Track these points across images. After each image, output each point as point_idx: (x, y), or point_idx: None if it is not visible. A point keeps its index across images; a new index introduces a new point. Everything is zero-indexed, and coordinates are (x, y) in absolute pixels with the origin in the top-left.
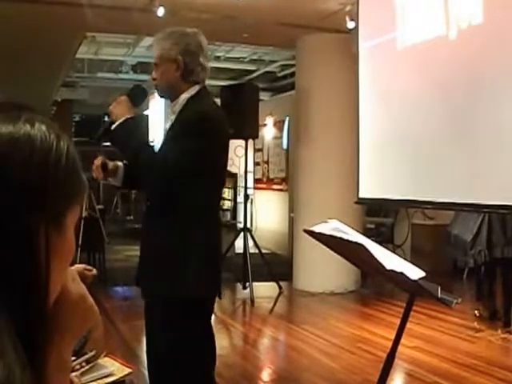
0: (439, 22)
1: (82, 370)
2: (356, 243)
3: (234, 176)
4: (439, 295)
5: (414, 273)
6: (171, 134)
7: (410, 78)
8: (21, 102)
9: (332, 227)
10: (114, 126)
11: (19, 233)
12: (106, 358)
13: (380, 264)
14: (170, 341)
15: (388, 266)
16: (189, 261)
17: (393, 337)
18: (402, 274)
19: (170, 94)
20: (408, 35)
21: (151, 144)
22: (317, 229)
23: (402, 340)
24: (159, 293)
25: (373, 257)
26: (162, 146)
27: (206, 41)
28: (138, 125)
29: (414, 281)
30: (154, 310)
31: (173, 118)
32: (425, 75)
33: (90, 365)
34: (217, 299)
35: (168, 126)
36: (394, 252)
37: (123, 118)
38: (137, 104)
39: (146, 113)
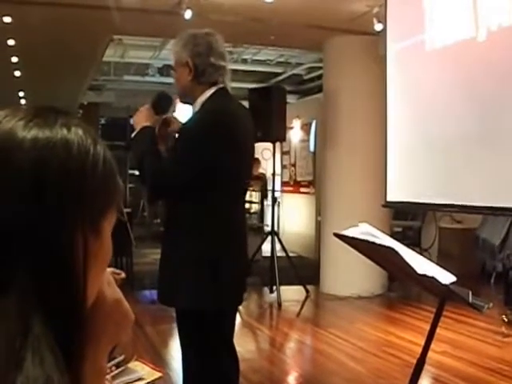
0: (468, 24)
1: (112, 374)
2: (387, 247)
3: (261, 179)
4: (470, 300)
5: (445, 277)
6: (178, 142)
7: (438, 80)
8: (56, 106)
9: (362, 231)
10: (132, 135)
11: (57, 238)
12: (136, 362)
13: (411, 268)
14: (189, 356)
15: (419, 271)
16: (187, 272)
17: (420, 341)
18: (433, 278)
19: (187, 99)
20: (437, 37)
21: (161, 153)
22: (347, 232)
23: (432, 345)
24: (165, 302)
25: (404, 261)
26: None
27: (220, 40)
28: (153, 134)
29: (445, 285)
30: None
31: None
32: (454, 77)
33: (120, 369)
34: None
35: None
36: (421, 255)
37: (140, 127)
38: (161, 111)
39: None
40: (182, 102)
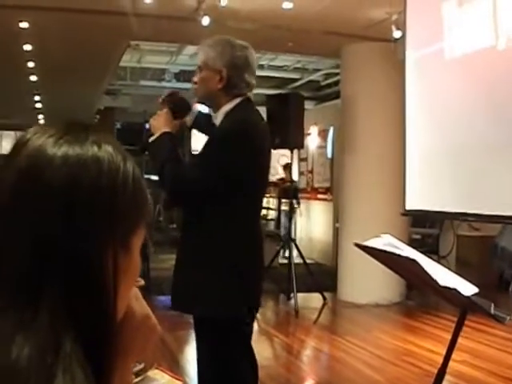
0: (488, 32)
1: (132, 382)
2: (409, 259)
3: (278, 185)
4: (492, 311)
5: (467, 289)
6: (202, 150)
7: (458, 88)
8: (86, 122)
9: (385, 242)
10: (150, 139)
11: (88, 255)
12: (156, 371)
13: (433, 280)
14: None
15: (441, 282)
16: (208, 278)
17: (438, 350)
18: (455, 290)
19: (207, 102)
20: (456, 45)
21: (182, 159)
22: (369, 243)
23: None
24: (182, 309)
25: (426, 273)
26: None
27: (255, 56)
28: (173, 140)
29: (467, 297)
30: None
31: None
32: (474, 86)
33: (140, 378)
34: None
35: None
36: (438, 263)
37: (160, 132)
38: (180, 116)
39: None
40: (198, 101)
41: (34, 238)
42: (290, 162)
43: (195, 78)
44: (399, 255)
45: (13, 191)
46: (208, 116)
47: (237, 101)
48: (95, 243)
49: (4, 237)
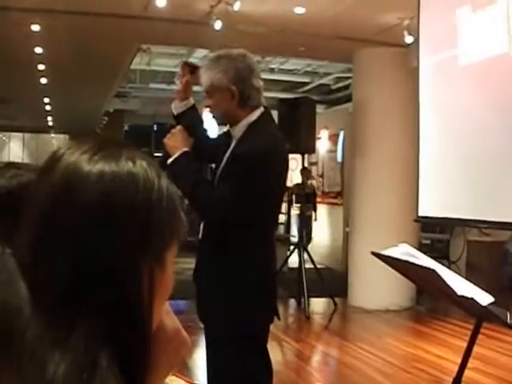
0: (501, 39)
1: None
2: (428, 269)
3: (288, 190)
4: (509, 321)
5: (484, 298)
6: (226, 170)
7: (472, 95)
8: (119, 138)
9: (402, 251)
10: (169, 161)
11: (124, 271)
12: (173, 377)
13: (451, 289)
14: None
15: (459, 292)
16: (244, 296)
17: (449, 356)
18: (472, 299)
19: (228, 121)
20: (470, 52)
21: (206, 179)
22: (387, 252)
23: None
24: (213, 324)
25: (444, 282)
26: (219, 178)
27: (254, 58)
28: (194, 159)
29: (484, 307)
30: (211, 340)
31: (233, 143)
32: (487, 92)
33: None
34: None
35: (229, 151)
36: (449, 268)
37: (179, 153)
38: (194, 133)
39: None
40: (219, 124)
41: (69, 256)
42: (307, 166)
43: (207, 103)
44: (418, 265)
45: (48, 208)
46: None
47: (256, 114)
48: (131, 259)
49: (39, 254)
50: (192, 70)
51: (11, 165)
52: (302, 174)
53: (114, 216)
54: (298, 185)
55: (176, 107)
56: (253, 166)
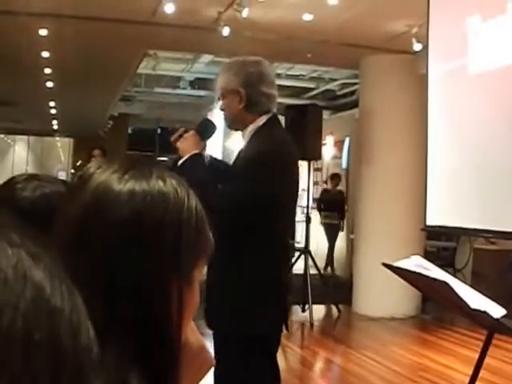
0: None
1: None
2: (441, 281)
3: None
4: None
5: (496, 310)
6: (235, 170)
7: (482, 105)
8: (146, 157)
9: (414, 263)
10: (180, 162)
11: (152, 290)
12: None
13: (464, 302)
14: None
15: (472, 305)
16: (253, 298)
17: (454, 365)
18: (485, 312)
19: (237, 125)
20: (480, 61)
21: (215, 181)
22: (399, 264)
23: (467, 370)
24: (223, 327)
25: (457, 295)
26: (229, 178)
27: (270, 68)
28: (204, 160)
29: (497, 319)
30: (220, 343)
31: (242, 147)
32: (499, 103)
33: None
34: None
35: (235, 156)
36: (454, 276)
37: (189, 154)
38: (207, 137)
39: None
40: (230, 128)
41: (101, 273)
42: (338, 172)
43: (221, 106)
44: (430, 277)
45: (79, 227)
46: None
47: (263, 119)
48: (159, 278)
49: (71, 271)
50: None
51: (33, 177)
52: (332, 180)
53: (144, 235)
54: (325, 190)
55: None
56: (255, 166)
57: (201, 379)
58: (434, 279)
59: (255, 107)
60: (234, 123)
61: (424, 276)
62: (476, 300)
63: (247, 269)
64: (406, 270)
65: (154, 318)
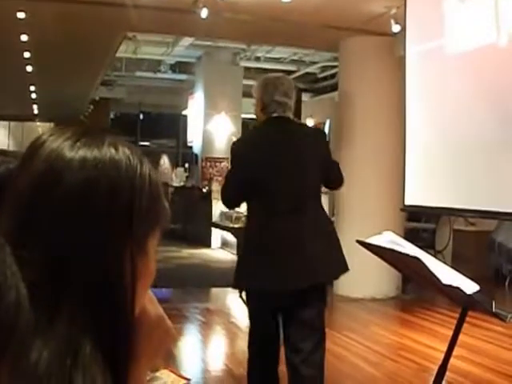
0: (489, 29)
1: None
2: (412, 257)
3: None
4: (494, 310)
5: (469, 286)
6: None
7: (459, 85)
8: (101, 126)
9: (387, 239)
10: None
11: (106, 257)
12: (164, 371)
13: (436, 278)
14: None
15: (444, 281)
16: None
17: (435, 344)
18: (458, 288)
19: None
20: (457, 42)
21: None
22: (371, 241)
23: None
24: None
25: (429, 271)
26: None
27: (289, 80)
28: None
29: (469, 295)
30: None
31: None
32: (474, 82)
33: (148, 377)
34: None
35: None
36: (435, 258)
37: None
38: None
39: (184, 112)
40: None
41: (52, 241)
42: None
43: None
44: (402, 253)
45: (30, 195)
46: None
47: (264, 118)
48: (113, 246)
49: (22, 240)
50: None
51: None
52: None
53: (95, 202)
54: None
55: None
56: (232, 154)
57: (164, 351)
58: (406, 255)
59: (267, 110)
60: (257, 119)
61: (396, 252)
62: (449, 276)
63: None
64: (379, 246)
65: (106, 287)
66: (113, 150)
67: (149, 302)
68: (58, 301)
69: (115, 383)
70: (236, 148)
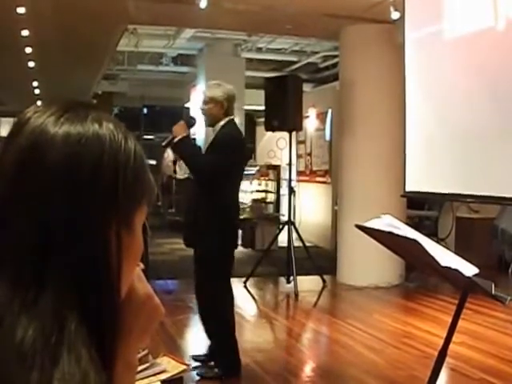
0: (487, 13)
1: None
2: (410, 239)
3: (277, 168)
4: (493, 292)
5: (468, 269)
6: (211, 148)
7: (458, 69)
8: (86, 101)
9: (385, 223)
10: (175, 140)
11: (91, 233)
12: (164, 357)
13: (435, 260)
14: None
15: (443, 263)
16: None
17: (438, 332)
18: (456, 270)
19: (212, 123)
20: (455, 26)
21: (200, 153)
22: (370, 224)
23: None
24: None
25: (427, 253)
26: (206, 153)
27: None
28: (191, 141)
29: (468, 277)
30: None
31: (212, 136)
32: (473, 67)
33: (148, 364)
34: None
35: (210, 140)
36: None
37: (181, 136)
38: (190, 126)
39: (187, 105)
40: (207, 126)
41: (37, 218)
42: None
43: (203, 107)
44: (400, 235)
45: (15, 171)
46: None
47: (226, 119)
48: (98, 221)
49: (7, 216)
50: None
51: None
52: None
53: (81, 177)
54: None
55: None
56: (223, 145)
57: (153, 328)
58: (404, 237)
59: (227, 113)
60: (211, 122)
61: (395, 235)
62: (447, 258)
63: (215, 203)
64: (377, 230)
65: (91, 262)
66: (96, 126)
67: (137, 279)
68: (42, 277)
69: (102, 360)
70: (236, 140)
